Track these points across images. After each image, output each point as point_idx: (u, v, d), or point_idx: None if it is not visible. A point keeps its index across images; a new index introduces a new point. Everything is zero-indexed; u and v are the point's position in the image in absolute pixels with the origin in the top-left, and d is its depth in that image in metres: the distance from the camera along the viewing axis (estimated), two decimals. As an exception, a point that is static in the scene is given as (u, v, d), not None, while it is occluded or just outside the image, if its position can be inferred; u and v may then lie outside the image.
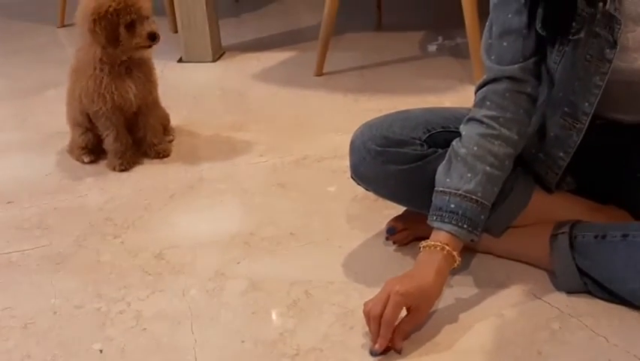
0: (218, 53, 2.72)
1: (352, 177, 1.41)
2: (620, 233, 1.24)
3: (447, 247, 1.22)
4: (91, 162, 1.93)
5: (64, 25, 3.19)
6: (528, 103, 1.28)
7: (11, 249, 1.56)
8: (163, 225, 1.63)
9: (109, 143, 1.88)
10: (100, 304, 1.36)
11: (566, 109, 1.27)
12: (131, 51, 1.78)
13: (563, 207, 1.37)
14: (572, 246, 1.28)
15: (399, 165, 1.32)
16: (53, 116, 2.16)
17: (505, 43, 1.27)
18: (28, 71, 2.73)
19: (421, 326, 1.23)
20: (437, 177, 1.28)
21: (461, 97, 2.15)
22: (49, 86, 2.50)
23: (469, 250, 1.43)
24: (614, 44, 1.17)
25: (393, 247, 1.47)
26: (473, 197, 1.24)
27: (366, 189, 1.42)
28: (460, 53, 2.58)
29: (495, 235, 1.38)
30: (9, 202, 1.76)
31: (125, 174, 1.87)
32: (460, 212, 1.23)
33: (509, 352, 1.18)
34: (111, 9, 1.71)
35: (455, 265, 1.24)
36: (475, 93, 1.32)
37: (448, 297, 1.33)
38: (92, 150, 1.93)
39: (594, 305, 1.27)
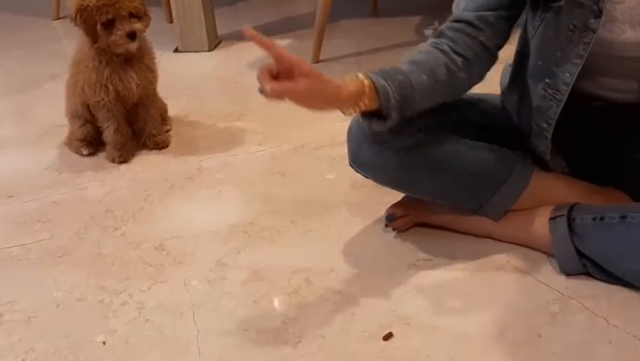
0: (214, 43, 2.72)
1: (351, 165, 1.41)
2: (618, 215, 1.24)
3: (365, 82, 1.17)
4: (90, 154, 1.93)
5: (59, 18, 3.17)
6: (480, 49, 1.28)
7: (12, 243, 1.56)
8: (163, 216, 1.64)
9: (109, 134, 1.88)
10: (102, 297, 1.37)
11: (547, 80, 1.26)
12: (111, 47, 1.77)
13: (562, 189, 1.38)
14: (570, 228, 1.28)
15: (396, 150, 1.33)
16: (51, 109, 2.16)
17: None
18: (25, 65, 2.72)
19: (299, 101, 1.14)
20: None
21: (458, 82, 2.15)
22: (46, 80, 2.50)
23: (469, 235, 1.44)
24: (598, 14, 1.17)
25: (393, 233, 1.48)
26: (405, 77, 1.22)
27: (365, 177, 1.42)
28: (456, 37, 2.57)
29: (495, 218, 1.39)
30: (9, 196, 1.76)
31: (124, 166, 1.87)
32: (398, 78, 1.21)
33: (510, 335, 1.19)
34: (91, 4, 1.71)
35: (357, 107, 1.18)
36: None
37: (447, 282, 1.33)
38: (90, 142, 1.93)
39: (593, 287, 1.28)
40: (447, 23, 1.30)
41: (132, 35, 1.75)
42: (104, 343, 1.25)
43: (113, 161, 1.88)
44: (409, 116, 1.24)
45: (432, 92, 1.26)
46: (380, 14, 3.00)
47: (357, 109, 1.19)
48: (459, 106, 1.40)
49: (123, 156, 1.88)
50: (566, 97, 1.25)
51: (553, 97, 1.26)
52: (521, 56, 1.36)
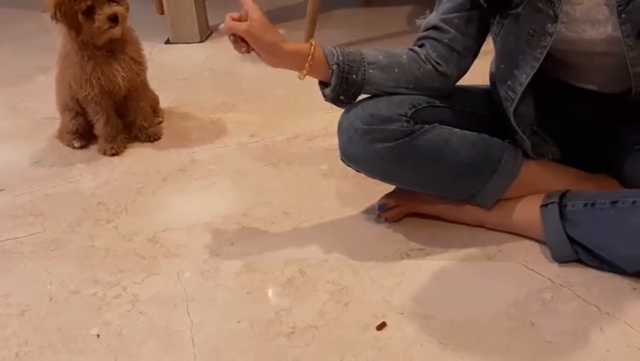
0: (205, 34, 2.71)
1: (342, 159, 1.41)
2: (609, 200, 1.25)
3: (316, 49, 1.32)
4: (81, 146, 1.93)
5: (49, 10, 3.17)
6: (447, 51, 1.34)
7: (5, 237, 1.56)
8: (156, 208, 1.64)
9: (99, 127, 1.87)
10: (96, 289, 1.37)
11: (508, 82, 1.30)
12: (95, 36, 1.75)
13: (553, 177, 1.38)
14: (562, 215, 1.29)
15: (386, 142, 1.32)
16: (42, 102, 2.15)
17: (446, 2, 1.34)
18: (16, 58, 2.71)
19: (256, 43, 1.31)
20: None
21: (450, 71, 2.15)
22: (37, 73, 2.48)
23: (461, 224, 1.44)
24: (555, 18, 1.21)
25: (386, 223, 1.48)
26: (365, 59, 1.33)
27: (357, 170, 1.42)
28: (448, 26, 2.57)
29: (486, 207, 1.39)
30: (1, 190, 1.76)
31: (116, 159, 1.87)
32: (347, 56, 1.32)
33: (502, 323, 1.20)
34: None
35: (305, 69, 1.32)
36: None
37: (440, 271, 1.34)
38: (82, 134, 1.93)
39: (585, 275, 1.28)
40: (421, 33, 1.38)
41: (114, 18, 1.73)
42: (98, 335, 1.25)
43: (104, 153, 1.88)
44: (360, 87, 1.33)
45: (389, 70, 1.33)
46: (372, 4, 3.00)
47: (304, 71, 1.32)
48: (448, 96, 1.40)
49: (115, 149, 1.88)
50: (519, 96, 1.29)
51: (511, 98, 1.30)
52: None
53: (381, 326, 1.21)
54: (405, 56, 1.35)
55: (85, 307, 1.32)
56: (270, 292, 1.32)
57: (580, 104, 1.33)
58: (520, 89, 1.28)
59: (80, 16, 1.72)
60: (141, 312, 1.30)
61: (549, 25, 1.22)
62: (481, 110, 1.42)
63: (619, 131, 1.36)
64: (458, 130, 1.35)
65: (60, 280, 1.40)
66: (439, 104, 1.37)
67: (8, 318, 1.31)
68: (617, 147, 1.35)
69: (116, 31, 1.76)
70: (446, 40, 1.33)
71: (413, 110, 1.34)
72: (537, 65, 1.25)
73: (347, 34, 2.60)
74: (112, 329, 1.26)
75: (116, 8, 1.74)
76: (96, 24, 1.72)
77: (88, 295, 1.35)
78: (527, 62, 1.26)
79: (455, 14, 1.33)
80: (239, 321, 1.25)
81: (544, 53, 1.24)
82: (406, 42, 2.31)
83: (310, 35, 2.45)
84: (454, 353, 1.15)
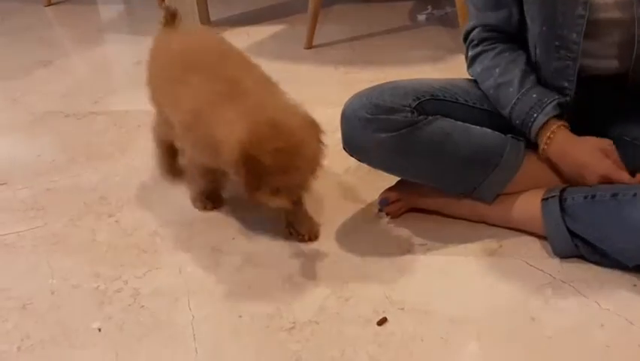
0: (207, 28, 2.71)
1: (344, 149, 1.41)
2: (609, 193, 1.25)
3: (560, 122, 1.33)
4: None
5: (50, 4, 3.16)
6: (511, 41, 1.40)
7: (6, 231, 1.56)
8: (157, 203, 1.64)
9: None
10: (97, 283, 1.37)
11: (557, 43, 1.31)
12: (263, 203, 1.34)
13: (555, 172, 1.38)
14: (562, 209, 1.29)
15: (389, 132, 1.33)
16: (43, 96, 2.15)
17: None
18: (17, 52, 2.71)
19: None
20: (501, 107, 1.38)
21: (451, 68, 2.15)
22: (38, 66, 2.48)
23: (462, 220, 1.44)
24: None
25: (387, 219, 1.49)
26: (526, 88, 1.35)
27: (359, 160, 1.42)
28: (449, 22, 2.57)
29: (487, 201, 1.39)
30: (2, 184, 1.76)
31: (117, 153, 1.87)
32: (536, 97, 1.34)
33: (504, 319, 1.20)
34: (265, 162, 1.24)
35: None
36: (465, 37, 1.44)
37: (441, 266, 1.34)
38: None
39: (586, 271, 1.29)
40: (476, 30, 1.43)
41: (298, 203, 1.37)
42: (100, 329, 1.25)
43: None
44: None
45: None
46: (373, -1, 3.00)
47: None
48: (450, 89, 1.41)
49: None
50: (579, 55, 1.30)
51: (568, 56, 1.31)
52: None
53: (382, 322, 1.21)
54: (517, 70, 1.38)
55: (86, 301, 1.32)
56: (270, 287, 1.33)
57: (580, 91, 1.34)
58: (577, 48, 1.30)
59: (265, 190, 1.30)
60: (143, 306, 1.30)
61: None
62: (484, 105, 1.43)
63: (619, 126, 1.37)
64: (461, 123, 1.36)
65: (62, 274, 1.40)
66: (442, 97, 1.38)
67: (9, 311, 1.31)
68: (617, 142, 1.35)
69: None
70: (507, 36, 1.39)
71: (417, 101, 1.35)
72: (584, 21, 1.26)
73: (348, 30, 2.60)
74: (113, 323, 1.26)
75: (301, 194, 1.37)
76: (276, 202, 1.31)
77: (89, 290, 1.35)
78: (572, 20, 1.27)
79: (502, 10, 1.37)
80: (240, 316, 1.25)
81: (588, 8, 1.25)
82: (407, 38, 2.30)
83: (312, 31, 2.45)
84: (455, 348, 1.15)
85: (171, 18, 1.61)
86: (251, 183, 1.27)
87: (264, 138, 1.24)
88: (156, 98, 1.58)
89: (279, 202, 1.30)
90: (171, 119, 1.50)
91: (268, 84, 1.43)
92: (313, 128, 1.33)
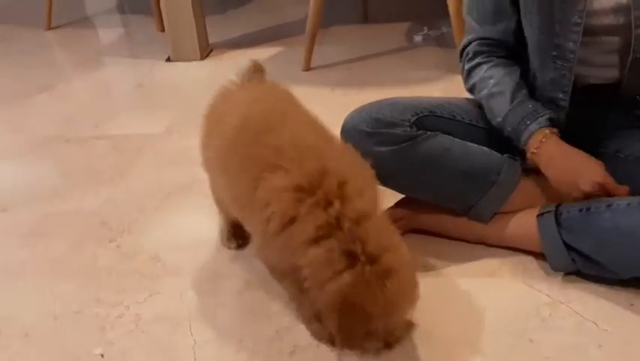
0: (205, 51, 2.73)
1: (344, 162, 1.43)
2: (604, 204, 1.27)
3: (553, 130, 1.34)
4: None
5: (51, 28, 3.19)
6: (506, 55, 1.43)
7: (8, 257, 1.57)
8: (158, 227, 1.65)
9: None
10: (99, 309, 1.37)
11: (554, 53, 1.33)
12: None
13: (550, 190, 1.39)
14: (558, 222, 1.31)
15: (389, 145, 1.35)
16: (44, 120, 2.16)
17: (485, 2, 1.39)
18: (18, 76, 2.72)
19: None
20: (493, 116, 1.40)
21: (448, 88, 2.17)
22: (39, 90, 2.50)
23: (461, 241, 1.45)
24: None
25: (386, 240, 1.49)
26: (519, 100, 1.37)
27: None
28: (445, 42, 2.59)
29: (484, 220, 1.41)
30: (3, 210, 1.77)
31: (118, 177, 1.88)
32: (531, 108, 1.36)
33: (502, 341, 1.21)
34: (375, 315, 1.08)
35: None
36: (461, 52, 1.46)
37: (441, 287, 1.35)
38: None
39: (583, 291, 1.30)
40: (473, 44, 1.45)
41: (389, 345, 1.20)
42: (102, 355, 1.26)
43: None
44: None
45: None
46: (371, 20, 3.02)
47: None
48: (447, 106, 1.43)
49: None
50: (574, 64, 1.32)
51: (564, 66, 1.33)
52: None
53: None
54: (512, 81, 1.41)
55: (88, 327, 1.33)
56: (271, 311, 1.33)
57: (574, 103, 1.36)
58: (573, 57, 1.31)
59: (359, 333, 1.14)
60: (144, 331, 1.31)
61: None
62: (481, 123, 1.45)
63: (612, 142, 1.39)
64: (459, 140, 1.38)
65: (63, 299, 1.41)
66: (440, 114, 1.41)
67: (11, 339, 1.32)
68: (611, 157, 1.36)
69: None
70: (505, 50, 1.43)
71: (416, 117, 1.37)
72: (580, 29, 1.28)
73: (346, 51, 2.63)
74: (115, 348, 1.27)
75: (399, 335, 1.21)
76: (371, 345, 1.18)
77: (91, 315, 1.36)
78: (568, 29, 1.29)
79: (500, 23, 1.41)
80: (241, 340, 1.26)
81: (584, 17, 1.27)
82: (405, 58, 2.32)
83: (309, 52, 2.47)
84: (455, 370, 1.16)
85: (256, 71, 1.48)
86: (344, 330, 1.08)
87: (370, 280, 1.03)
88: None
89: (373, 345, 1.15)
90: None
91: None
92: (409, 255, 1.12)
